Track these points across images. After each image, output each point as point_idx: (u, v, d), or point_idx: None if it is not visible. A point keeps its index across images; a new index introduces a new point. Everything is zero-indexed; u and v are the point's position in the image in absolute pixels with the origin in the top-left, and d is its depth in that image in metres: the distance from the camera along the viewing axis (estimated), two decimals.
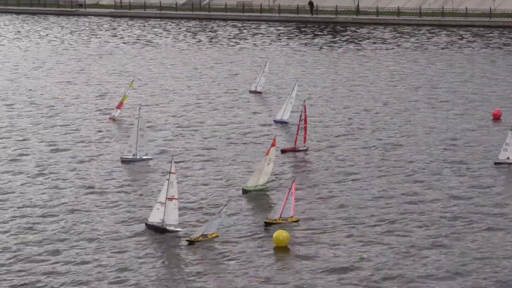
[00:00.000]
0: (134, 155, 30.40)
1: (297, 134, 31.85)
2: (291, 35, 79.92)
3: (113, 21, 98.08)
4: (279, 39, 75.88)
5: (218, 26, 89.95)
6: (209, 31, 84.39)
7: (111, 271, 19.77)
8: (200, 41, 75.46)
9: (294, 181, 23.63)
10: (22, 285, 19.05)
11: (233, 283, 19.25)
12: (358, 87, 47.97)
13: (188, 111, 40.86)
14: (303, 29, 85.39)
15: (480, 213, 24.07)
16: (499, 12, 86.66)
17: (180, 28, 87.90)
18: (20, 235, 22.26)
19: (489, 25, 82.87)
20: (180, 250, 21.27)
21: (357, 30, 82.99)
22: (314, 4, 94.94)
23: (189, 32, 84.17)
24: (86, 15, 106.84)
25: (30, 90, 47.21)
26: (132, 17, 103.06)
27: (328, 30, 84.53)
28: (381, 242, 21.74)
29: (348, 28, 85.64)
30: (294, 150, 31.81)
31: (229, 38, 77.19)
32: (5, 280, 19.34)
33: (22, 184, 27.23)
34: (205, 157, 31.19)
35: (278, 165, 29.40)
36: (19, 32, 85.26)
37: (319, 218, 23.62)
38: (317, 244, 21.61)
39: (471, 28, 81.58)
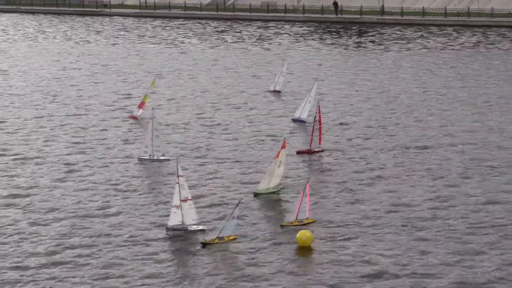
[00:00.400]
0: (150, 155, 30.34)
1: (312, 136, 31.68)
2: (315, 35, 79.63)
3: (138, 21, 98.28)
4: (302, 39, 75.62)
5: (242, 26, 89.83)
6: (233, 31, 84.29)
7: (131, 275, 19.66)
8: (223, 41, 75.38)
9: (307, 182, 23.43)
10: (44, 280, 19.05)
11: (256, 284, 19.09)
12: (379, 87, 47.66)
13: (207, 111, 40.82)
14: (327, 29, 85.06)
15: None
16: None
17: (204, 29, 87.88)
18: (35, 239, 22.24)
19: None
20: (197, 252, 21.09)
21: (382, 31, 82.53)
22: (339, 5, 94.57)
23: (213, 32, 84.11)
24: (111, 15, 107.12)
25: (55, 90, 47.32)
26: (156, 17, 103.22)
27: (352, 30, 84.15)
28: (398, 243, 21.54)
29: (372, 28, 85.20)
30: (309, 151, 31.62)
31: (252, 38, 77.04)
32: (32, 282, 19.28)
33: (43, 187, 27.17)
34: (221, 156, 31.05)
35: (293, 167, 29.28)
36: (43, 32, 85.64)
37: (335, 219, 23.48)
38: (335, 245, 21.45)
39: (497, 29, 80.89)
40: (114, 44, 73.72)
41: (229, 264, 20.39)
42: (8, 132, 35.23)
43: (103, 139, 34.19)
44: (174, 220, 22.54)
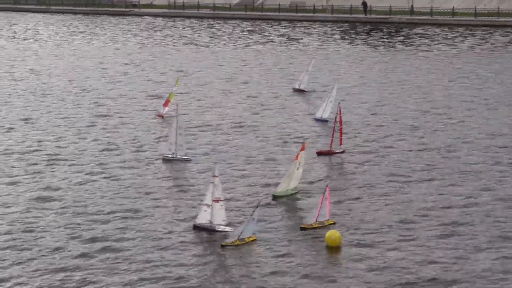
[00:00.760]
0: (173, 154, 30.46)
1: (332, 137, 31.40)
2: (343, 35, 79.47)
3: (167, 21, 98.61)
4: (330, 39, 75.48)
5: (270, 26, 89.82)
6: (261, 31, 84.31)
7: (154, 274, 19.73)
8: (251, 41, 75.44)
9: (327, 185, 23.23)
10: (76, 282, 19.17)
11: (281, 285, 19.12)
12: (406, 88, 47.45)
13: (231, 110, 40.92)
14: (355, 30, 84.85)
15: None
16: None
17: (232, 29, 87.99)
18: (70, 236, 22.40)
19: None
20: (218, 254, 21.04)
21: (411, 31, 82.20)
22: (368, 4, 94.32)
23: (241, 32, 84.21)
24: (140, 15, 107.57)
25: (84, 90, 47.62)
26: (185, 17, 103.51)
27: (381, 30, 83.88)
28: (427, 246, 21.45)
29: (401, 28, 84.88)
30: (330, 152, 31.33)
31: (280, 38, 77.03)
32: (67, 278, 19.44)
33: (71, 186, 27.36)
34: (244, 156, 30.99)
35: (313, 168, 29.07)
36: (74, 32, 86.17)
37: (356, 222, 23.27)
38: (356, 247, 21.35)
39: None
40: (143, 43, 74.02)
41: (250, 266, 20.31)
42: (39, 132, 35.50)
43: (131, 138, 34.37)
44: (202, 218, 22.56)
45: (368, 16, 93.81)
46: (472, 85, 48.21)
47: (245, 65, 58.40)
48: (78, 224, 23.17)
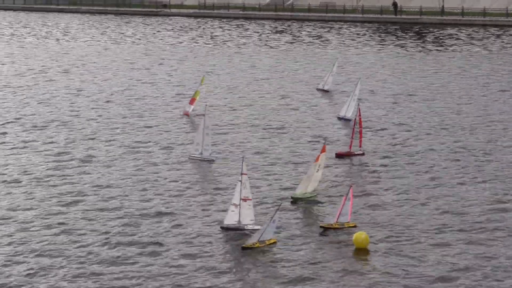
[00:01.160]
0: (200, 153, 30.56)
1: (352, 138, 31.02)
2: (372, 35, 79.22)
3: (197, 21, 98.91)
4: (359, 39, 75.27)
5: (300, 26, 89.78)
6: (291, 32, 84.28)
7: (178, 275, 19.72)
8: (280, 41, 75.42)
9: (351, 186, 22.98)
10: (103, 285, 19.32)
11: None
12: (432, 89, 47.14)
13: (256, 110, 40.94)
14: (385, 30, 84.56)
15: None
16: None
17: (262, 29, 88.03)
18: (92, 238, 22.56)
19: None
20: (238, 256, 20.87)
21: (442, 31, 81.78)
22: (398, 5, 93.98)
23: (271, 32, 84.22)
24: (170, 15, 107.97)
25: (113, 89, 47.87)
26: (215, 17, 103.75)
27: (411, 31, 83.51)
28: (451, 248, 21.25)
29: (432, 29, 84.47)
30: (349, 154, 30.94)
31: (309, 38, 76.96)
32: (97, 282, 19.59)
33: (101, 186, 27.47)
34: (266, 157, 30.88)
35: (332, 169, 28.78)
36: (104, 32, 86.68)
37: (377, 224, 23.00)
38: (379, 250, 21.14)
39: None
40: (172, 44, 74.27)
41: (271, 267, 20.17)
42: (70, 132, 35.70)
43: (159, 137, 34.46)
44: (230, 219, 22.41)
45: (398, 16, 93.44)
46: (502, 86, 47.82)
47: (272, 66, 58.37)
48: (105, 223, 23.18)
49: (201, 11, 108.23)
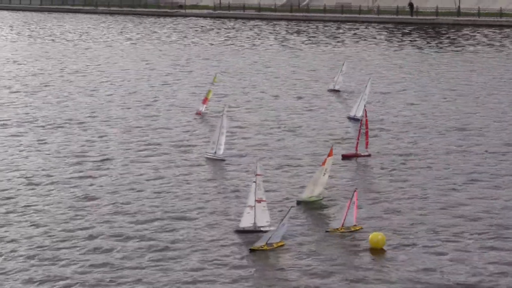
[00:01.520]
0: (214, 152, 30.65)
1: (358, 139, 30.82)
2: (388, 36, 79.05)
3: (213, 22, 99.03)
4: (375, 40, 75.16)
5: (315, 27, 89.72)
6: (306, 32, 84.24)
7: (192, 277, 19.76)
8: (295, 42, 75.43)
9: (355, 190, 22.81)
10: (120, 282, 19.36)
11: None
12: (444, 90, 46.94)
13: (267, 110, 40.99)
14: (401, 30, 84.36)
15: None
16: None
17: (277, 29, 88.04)
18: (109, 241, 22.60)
19: None
20: (246, 259, 20.79)
21: (458, 32, 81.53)
22: (414, 5, 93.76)
23: (286, 33, 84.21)
24: (185, 16, 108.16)
25: (129, 90, 48.02)
26: (231, 18, 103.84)
27: (427, 31, 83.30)
28: (458, 251, 21.17)
29: (448, 29, 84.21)
30: (355, 155, 30.73)
31: (325, 39, 76.91)
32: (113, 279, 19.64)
33: (116, 186, 27.52)
34: (276, 158, 30.74)
35: (338, 171, 28.60)
36: (121, 33, 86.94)
37: (384, 228, 22.80)
38: (386, 253, 21.08)
39: None
40: (188, 44, 74.39)
41: (281, 270, 20.11)
42: (86, 133, 35.81)
43: (173, 137, 34.56)
44: (246, 221, 22.36)
45: (414, 17, 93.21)
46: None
47: (286, 66, 58.35)
48: (123, 225, 23.29)
49: (217, 11, 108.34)
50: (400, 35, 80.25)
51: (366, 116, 30.87)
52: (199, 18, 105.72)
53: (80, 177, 28.26)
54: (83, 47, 72.56)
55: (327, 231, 22.45)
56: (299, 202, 25.08)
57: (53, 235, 22.34)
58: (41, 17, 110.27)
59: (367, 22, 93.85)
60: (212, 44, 73.89)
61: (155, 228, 22.94)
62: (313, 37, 79.48)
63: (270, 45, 72.98)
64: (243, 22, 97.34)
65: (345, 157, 30.65)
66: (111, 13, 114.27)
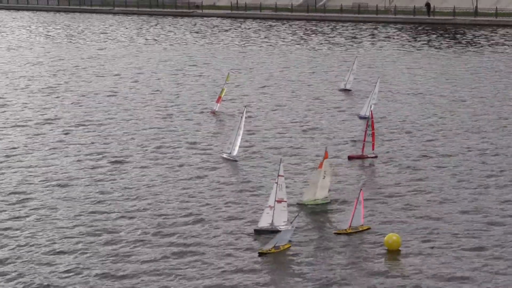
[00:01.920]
0: (230, 153, 30.73)
1: (364, 141, 30.74)
2: (405, 36, 78.80)
3: (230, 22, 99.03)
4: (391, 40, 74.91)
5: (332, 27, 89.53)
6: (322, 32, 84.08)
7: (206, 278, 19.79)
8: (311, 41, 75.35)
9: (361, 189, 22.85)
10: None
11: None
12: (453, 90, 46.77)
13: (279, 110, 41.08)
14: (418, 31, 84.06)
15: None
16: None
17: (293, 29, 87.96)
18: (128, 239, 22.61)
19: None
20: (255, 262, 20.81)
21: (475, 32, 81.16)
22: (431, 5, 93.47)
23: (302, 33, 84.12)
24: (202, 16, 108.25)
25: (144, 91, 48.14)
26: (247, 18, 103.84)
27: (445, 31, 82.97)
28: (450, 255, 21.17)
29: (465, 29, 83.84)
30: (361, 157, 30.70)
31: (341, 39, 76.78)
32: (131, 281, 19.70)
33: (132, 187, 27.57)
34: (285, 158, 30.46)
35: (344, 172, 28.60)
36: (138, 33, 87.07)
37: (391, 228, 22.79)
38: (394, 253, 21.04)
39: None
40: (205, 44, 74.45)
41: (290, 272, 20.13)
42: (103, 133, 35.93)
43: (189, 137, 34.72)
44: (264, 221, 22.43)
45: (431, 17, 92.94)
46: None
47: (303, 66, 58.35)
48: (143, 227, 23.36)
49: (233, 12, 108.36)
50: (416, 35, 79.97)
51: (372, 117, 30.85)
52: (216, 18, 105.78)
53: (96, 179, 28.35)
54: (100, 47, 72.77)
55: (335, 233, 22.47)
56: (300, 205, 24.98)
57: (69, 231, 22.47)
58: (58, 17, 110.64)
59: (384, 22, 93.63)
60: (229, 44, 73.93)
61: (171, 227, 23.07)
62: (330, 37, 79.35)
63: (287, 45, 72.92)
64: (260, 22, 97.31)
65: (351, 158, 30.71)
66: (128, 14, 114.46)
